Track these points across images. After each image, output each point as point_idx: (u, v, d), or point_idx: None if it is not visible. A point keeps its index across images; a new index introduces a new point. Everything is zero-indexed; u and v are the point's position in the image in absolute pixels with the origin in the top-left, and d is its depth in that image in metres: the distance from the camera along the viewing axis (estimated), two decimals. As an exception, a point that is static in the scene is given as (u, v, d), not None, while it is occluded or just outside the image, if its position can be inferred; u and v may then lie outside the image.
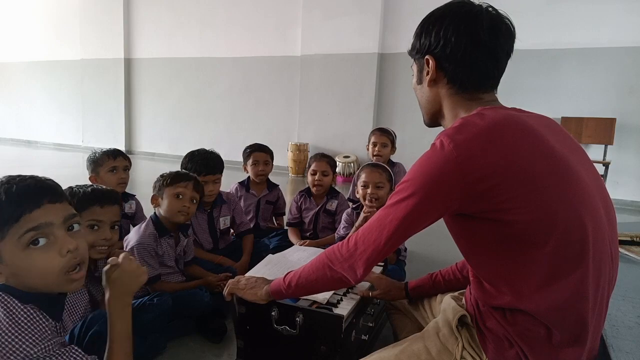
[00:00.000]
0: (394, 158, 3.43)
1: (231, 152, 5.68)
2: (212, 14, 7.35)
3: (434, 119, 1.14)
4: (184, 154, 2.51)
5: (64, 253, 0.91)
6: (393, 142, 3.29)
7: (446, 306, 1.12)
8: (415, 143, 6.14)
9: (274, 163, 3.04)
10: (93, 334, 1.27)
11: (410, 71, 1.16)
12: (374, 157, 3.21)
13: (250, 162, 2.90)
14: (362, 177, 2.23)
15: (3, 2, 9.49)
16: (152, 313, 1.68)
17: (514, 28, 1.02)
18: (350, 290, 1.58)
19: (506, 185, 0.87)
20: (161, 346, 1.71)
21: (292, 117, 6.91)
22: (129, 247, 1.93)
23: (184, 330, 1.86)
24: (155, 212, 2.04)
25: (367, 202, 2.20)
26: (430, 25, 1.05)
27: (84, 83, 8.70)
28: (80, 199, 1.50)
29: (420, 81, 1.11)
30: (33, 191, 0.91)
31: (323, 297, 1.44)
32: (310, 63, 6.59)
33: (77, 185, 1.59)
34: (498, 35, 1.00)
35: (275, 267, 1.68)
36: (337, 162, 6.12)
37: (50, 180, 0.98)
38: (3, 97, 9.92)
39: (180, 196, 1.98)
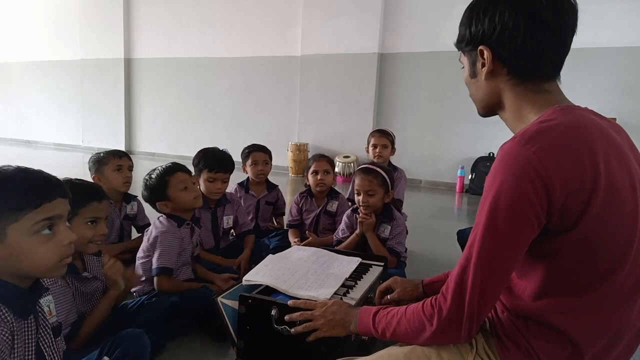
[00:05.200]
0: (395, 159, 3.42)
1: (231, 152, 5.64)
2: (212, 14, 7.35)
3: (490, 111, 1.04)
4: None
5: (65, 244, 0.98)
6: (393, 143, 3.28)
7: None
8: (415, 143, 6.15)
9: (273, 163, 3.04)
10: (119, 353, 1.30)
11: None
12: (375, 159, 3.20)
13: (249, 162, 2.91)
14: (356, 182, 2.26)
15: (3, 2, 9.49)
16: (151, 312, 1.68)
17: (576, 3, 0.91)
18: (350, 290, 1.58)
19: (594, 196, 0.79)
20: (161, 345, 1.71)
21: (292, 117, 6.91)
22: (152, 236, 1.94)
23: (184, 330, 1.86)
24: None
25: (361, 208, 2.24)
26: (482, 11, 0.93)
27: (84, 83, 8.69)
28: (81, 194, 1.50)
29: (474, 74, 1.00)
30: (50, 184, 0.99)
31: (324, 297, 1.44)
32: (310, 63, 6.58)
33: (70, 180, 1.58)
34: (561, 12, 0.88)
35: (276, 267, 1.68)
36: (337, 162, 6.12)
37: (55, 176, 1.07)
38: (3, 97, 9.92)
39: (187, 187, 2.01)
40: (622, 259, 0.83)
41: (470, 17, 0.97)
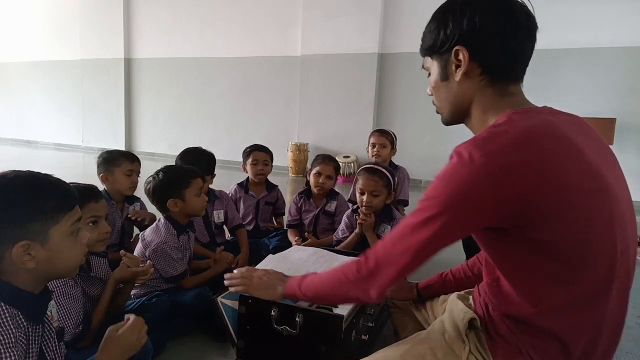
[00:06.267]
0: (395, 159, 3.42)
1: (231, 152, 5.69)
2: (212, 13, 7.35)
3: (458, 117, 1.04)
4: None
5: (84, 242, 1.05)
6: (393, 143, 3.27)
7: (453, 306, 1.09)
8: (416, 143, 6.15)
9: (273, 163, 3.04)
10: None
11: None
12: (374, 158, 3.21)
13: (249, 161, 2.91)
14: (359, 182, 2.23)
15: (3, 2, 9.49)
16: (151, 313, 1.68)
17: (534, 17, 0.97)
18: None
19: (545, 200, 0.81)
20: (161, 345, 1.71)
21: (292, 117, 6.91)
22: (152, 247, 1.93)
23: (184, 330, 1.86)
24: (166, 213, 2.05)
25: (362, 208, 2.22)
26: (458, 12, 0.94)
27: (84, 83, 8.69)
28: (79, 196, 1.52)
29: (445, 77, 1.00)
30: (72, 188, 1.04)
31: (323, 297, 1.44)
32: (310, 63, 6.58)
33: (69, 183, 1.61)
34: (530, 18, 0.94)
35: (276, 267, 1.67)
36: (339, 163, 6.11)
37: None
38: (3, 97, 9.92)
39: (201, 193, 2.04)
40: (587, 259, 0.84)
41: (443, 19, 0.97)
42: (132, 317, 1.11)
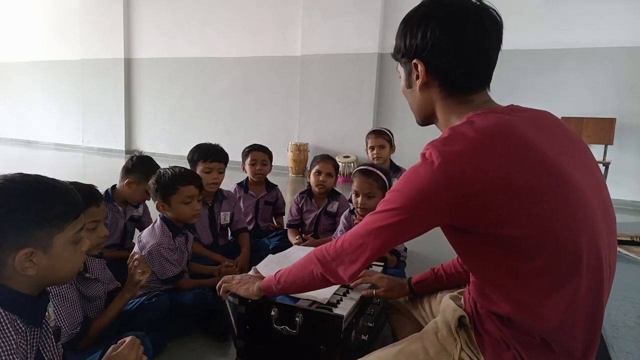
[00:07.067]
0: (395, 159, 3.42)
1: (231, 152, 5.64)
2: (212, 13, 7.35)
3: (426, 121, 1.10)
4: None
5: (84, 249, 1.04)
6: (391, 142, 3.26)
7: (445, 307, 1.12)
8: (416, 143, 6.12)
9: (273, 163, 3.04)
10: None
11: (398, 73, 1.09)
12: (375, 160, 3.19)
13: (248, 161, 2.91)
14: (354, 183, 2.21)
15: (3, 2, 9.49)
16: (150, 313, 1.68)
17: (500, 18, 0.96)
18: (350, 290, 1.58)
19: (497, 201, 0.84)
20: (161, 345, 1.71)
21: (292, 117, 6.91)
22: (147, 249, 1.93)
23: (184, 330, 1.86)
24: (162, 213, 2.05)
25: (358, 210, 2.22)
26: (415, 26, 0.99)
27: (84, 83, 8.69)
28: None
29: (409, 85, 1.06)
30: (78, 195, 1.03)
31: (323, 297, 1.44)
32: (310, 63, 6.58)
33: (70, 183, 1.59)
34: (484, 31, 0.94)
35: (276, 267, 1.67)
36: (337, 162, 6.11)
37: None
38: (3, 97, 9.92)
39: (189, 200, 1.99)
40: (548, 253, 0.85)
41: (405, 30, 1.02)
42: (128, 338, 1.10)
